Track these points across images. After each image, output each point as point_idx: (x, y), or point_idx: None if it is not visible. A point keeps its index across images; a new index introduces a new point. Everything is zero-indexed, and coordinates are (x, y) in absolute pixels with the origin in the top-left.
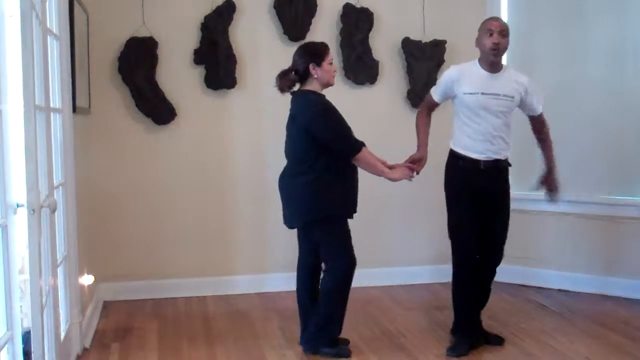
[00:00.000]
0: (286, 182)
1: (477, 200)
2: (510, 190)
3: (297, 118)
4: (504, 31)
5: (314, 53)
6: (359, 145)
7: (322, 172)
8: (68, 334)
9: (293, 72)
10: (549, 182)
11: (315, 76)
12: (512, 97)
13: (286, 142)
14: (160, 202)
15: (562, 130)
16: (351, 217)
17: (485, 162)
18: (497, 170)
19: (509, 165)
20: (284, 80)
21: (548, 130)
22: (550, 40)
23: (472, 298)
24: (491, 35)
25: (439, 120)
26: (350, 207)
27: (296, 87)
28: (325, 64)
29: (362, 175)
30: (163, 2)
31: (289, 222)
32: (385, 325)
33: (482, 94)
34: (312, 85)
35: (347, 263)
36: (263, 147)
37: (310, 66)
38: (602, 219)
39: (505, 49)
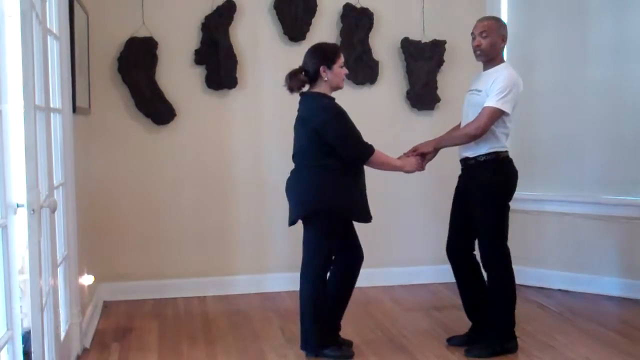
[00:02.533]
0: (291, 179)
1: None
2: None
3: (308, 121)
4: (484, 32)
5: (326, 55)
6: (371, 148)
7: (326, 170)
8: (68, 334)
9: (303, 73)
10: (426, 152)
11: (326, 79)
12: (480, 91)
13: (294, 144)
14: (161, 202)
15: (562, 130)
16: (358, 220)
17: (460, 161)
18: (466, 168)
19: (480, 161)
20: (294, 81)
21: (471, 125)
22: (551, 40)
23: (466, 296)
24: (473, 38)
25: (442, 122)
26: (355, 209)
27: (305, 88)
28: (336, 67)
29: None
30: (163, 2)
31: (289, 217)
32: (386, 326)
33: (468, 91)
34: (321, 88)
35: (321, 267)
36: (263, 147)
37: (321, 68)
38: (602, 219)
39: (488, 48)
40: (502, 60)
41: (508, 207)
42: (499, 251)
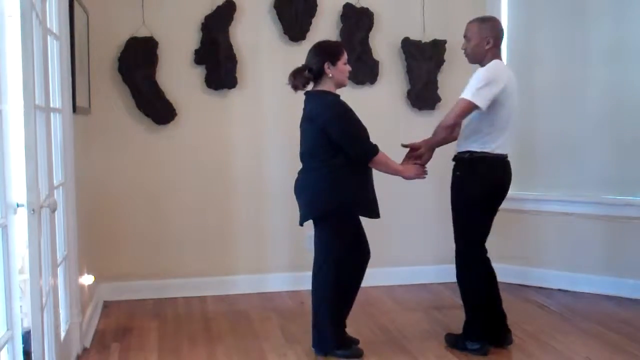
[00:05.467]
0: (299, 180)
1: None
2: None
3: (314, 119)
4: (466, 35)
5: (330, 52)
6: (375, 148)
7: (335, 168)
8: (68, 334)
9: (307, 71)
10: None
11: (330, 75)
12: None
13: (301, 143)
14: (160, 202)
15: (562, 131)
16: (368, 216)
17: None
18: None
19: (461, 158)
20: (299, 78)
21: (444, 118)
22: (551, 40)
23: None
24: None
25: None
26: (365, 205)
27: (310, 87)
28: (340, 64)
29: None
30: (163, 2)
31: (300, 218)
32: (386, 326)
33: None
34: (326, 85)
35: (336, 262)
36: (263, 147)
37: (326, 65)
38: (602, 219)
39: (470, 51)
40: (493, 58)
41: (482, 212)
42: (468, 254)
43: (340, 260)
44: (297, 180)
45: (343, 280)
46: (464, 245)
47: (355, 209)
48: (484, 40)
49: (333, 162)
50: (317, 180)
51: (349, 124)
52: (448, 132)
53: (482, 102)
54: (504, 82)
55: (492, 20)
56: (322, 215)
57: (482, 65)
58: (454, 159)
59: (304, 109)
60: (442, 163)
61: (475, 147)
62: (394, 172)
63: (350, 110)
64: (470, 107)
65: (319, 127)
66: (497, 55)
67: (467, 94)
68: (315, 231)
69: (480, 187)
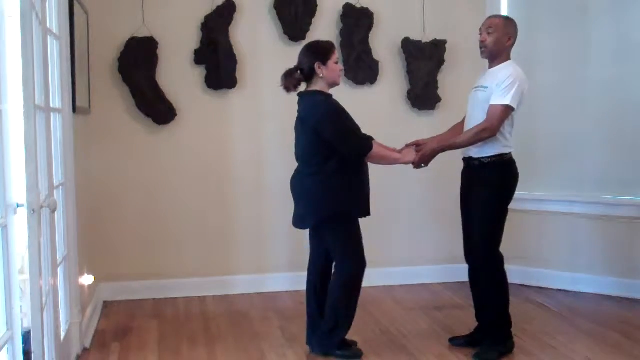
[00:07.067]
0: (297, 183)
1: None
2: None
3: (305, 120)
4: (491, 28)
5: (320, 52)
6: (369, 143)
7: (332, 172)
8: (68, 334)
9: (298, 72)
10: (427, 154)
11: (321, 75)
12: (486, 87)
13: (296, 144)
14: (160, 202)
15: (562, 130)
16: (363, 216)
17: (464, 159)
18: (469, 168)
19: (484, 163)
20: (290, 80)
21: (481, 126)
22: (551, 40)
23: (475, 297)
24: (480, 34)
25: (443, 122)
26: (361, 206)
27: (302, 87)
28: (331, 63)
29: None
30: (163, 2)
31: (299, 222)
32: (386, 326)
33: (473, 88)
34: (318, 85)
35: (355, 265)
36: (263, 147)
37: (316, 65)
38: (602, 219)
39: (492, 45)
40: (508, 58)
41: (506, 211)
42: (493, 255)
43: (358, 262)
44: (293, 178)
45: (330, 288)
46: (495, 247)
47: (354, 211)
48: (507, 36)
49: (325, 168)
50: (314, 186)
51: (339, 122)
52: (482, 141)
53: (515, 103)
54: (526, 82)
55: (514, 21)
56: (324, 222)
57: (493, 61)
58: (477, 163)
59: (298, 111)
60: (441, 163)
61: (505, 149)
62: (394, 161)
63: (341, 108)
64: (508, 112)
65: (310, 128)
66: (510, 55)
67: (500, 100)
68: (328, 237)
69: (513, 186)
